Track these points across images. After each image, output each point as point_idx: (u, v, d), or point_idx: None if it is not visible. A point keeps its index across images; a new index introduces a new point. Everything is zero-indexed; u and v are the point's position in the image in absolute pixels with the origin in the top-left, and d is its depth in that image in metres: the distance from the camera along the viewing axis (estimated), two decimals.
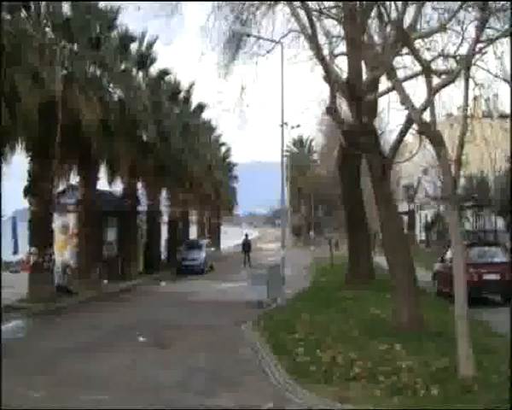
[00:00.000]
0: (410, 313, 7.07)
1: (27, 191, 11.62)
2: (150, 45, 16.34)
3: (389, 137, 15.01)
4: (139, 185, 18.11)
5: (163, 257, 20.63)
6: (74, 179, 14.24)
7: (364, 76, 8.98)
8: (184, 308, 10.89)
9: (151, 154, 16.19)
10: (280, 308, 10.25)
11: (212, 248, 23.24)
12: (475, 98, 7.22)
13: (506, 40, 6.06)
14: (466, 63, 5.32)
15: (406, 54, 7.05)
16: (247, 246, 22.99)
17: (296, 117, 44.18)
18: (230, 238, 40.89)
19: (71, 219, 14.58)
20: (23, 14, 10.92)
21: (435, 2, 6.93)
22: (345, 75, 8.96)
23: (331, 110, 8.00)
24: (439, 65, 6.47)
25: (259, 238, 54.54)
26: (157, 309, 10.85)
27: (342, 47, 9.77)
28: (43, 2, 11.34)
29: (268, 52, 9.96)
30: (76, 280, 13.16)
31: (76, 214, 14.36)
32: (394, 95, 6.83)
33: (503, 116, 12.47)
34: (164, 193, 21.03)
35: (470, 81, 5.54)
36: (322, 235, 37.23)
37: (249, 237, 24.46)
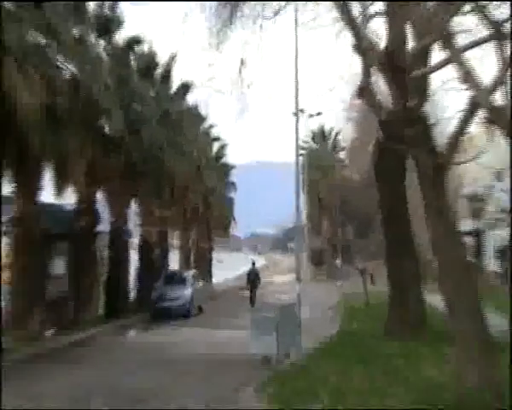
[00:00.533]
0: (481, 377, 6.93)
1: None
2: (115, 4, 16.74)
3: (446, 127, 14.94)
4: (99, 196, 18.34)
5: (132, 295, 21.02)
6: (7, 189, 14.15)
7: (410, 44, 8.97)
8: (161, 370, 10.82)
9: (116, 151, 16.44)
10: (295, 367, 10.21)
11: (202, 283, 23.72)
12: None
13: None
14: None
15: (469, 12, 6.94)
16: (253, 276, 23.52)
17: (316, 102, 44.95)
18: (227, 268, 41.17)
19: (1, 244, 14.45)
20: None
21: None
22: (383, 43, 8.99)
23: (364, 91, 8.06)
24: None
25: (267, 267, 54.97)
26: (123, 372, 10.76)
27: (379, 4, 9.50)
28: None
29: (276, 14, 9.79)
30: (8, 331, 12.97)
31: (9, 238, 14.21)
32: (452, 69, 6.84)
33: None
34: (134, 206, 21.51)
35: None
36: (352, 263, 37.54)
37: (256, 266, 25.19)
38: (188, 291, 20.40)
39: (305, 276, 33.93)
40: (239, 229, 42.72)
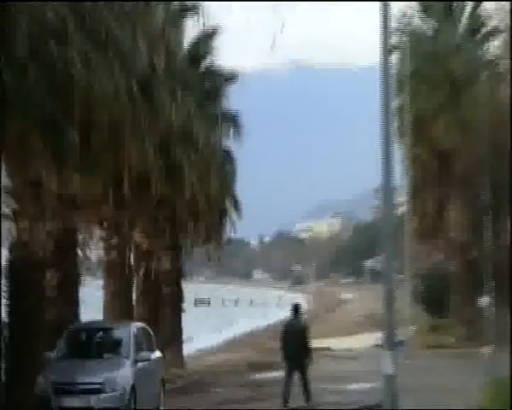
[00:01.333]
0: None
1: None
2: None
3: None
4: None
5: None
6: None
7: None
8: None
9: None
10: None
11: (157, 354, 24.73)
12: None
13: None
14: None
15: None
16: (295, 339, 24.83)
17: None
18: (218, 317, 41.04)
19: None
20: None
21: None
22: None
23: None
24: None
25: (314, 316, 54.96)
26: None
27: None
28: None
29: None
30: None
31: None
32: None
33: None
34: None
35: None
36: None
37: (302, 313, 27.08)
38: (125, 372, 21.17)
39: (407, 335, 35.70)
40: (247, 225, 43.23)
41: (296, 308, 25.49)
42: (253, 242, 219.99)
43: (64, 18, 21.14)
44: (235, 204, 39.12)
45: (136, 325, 24.59)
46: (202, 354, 38.11)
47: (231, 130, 38.15)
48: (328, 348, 38.80)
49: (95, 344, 22.69)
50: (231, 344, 41.32)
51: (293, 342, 24.58)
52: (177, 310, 36.23)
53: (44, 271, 24.37)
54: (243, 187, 39.78)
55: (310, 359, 24.56)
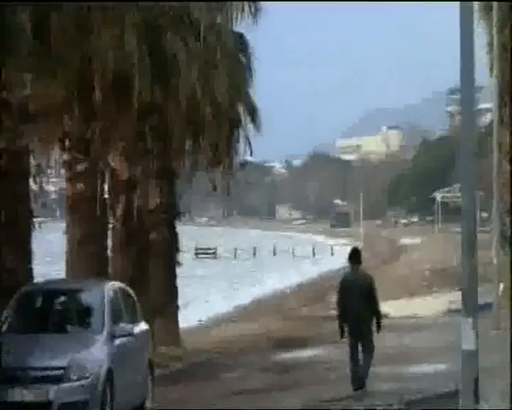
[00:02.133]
0: None
1: None
2: None
3: None
4: None
5: None
6: None
7: None
8: None
9: None
10: None
11: (143, 326, 25.42)
12: None
13: None
14: None
15: None
16: (356, 299, 25.17)
17: None
18: (224, 277, 41.72)
19: None
20: None
21: None
22: None
23: None
24: None
25: (367, 266, 58.79)
26: None
27: None
28: None
29: None
30: None
31: None
32: None
33: None
34: None
35: None
36: None
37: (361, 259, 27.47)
38: (97, 352, 21.15)
39: (495, 296, 36.12)
40: (269, 143, 43.48)
41: (355, 255, 25.54)
42: (279, 167, 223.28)
43: None
44: (253, 113, 37.97)
45: (113, 286, 24.66)
46: (206, 327, 38.17)
47: (246, 6, 36.23)
48: (384, 315, 37.88)
49: (55, 313, 23.04)
50: (247, 311, 41.83)
51: (356, 303, 24.65)
52: (171, 264, 36.48)
53: None
54: (264, 91, 38.18)
55: (379, 327, 24.89)
